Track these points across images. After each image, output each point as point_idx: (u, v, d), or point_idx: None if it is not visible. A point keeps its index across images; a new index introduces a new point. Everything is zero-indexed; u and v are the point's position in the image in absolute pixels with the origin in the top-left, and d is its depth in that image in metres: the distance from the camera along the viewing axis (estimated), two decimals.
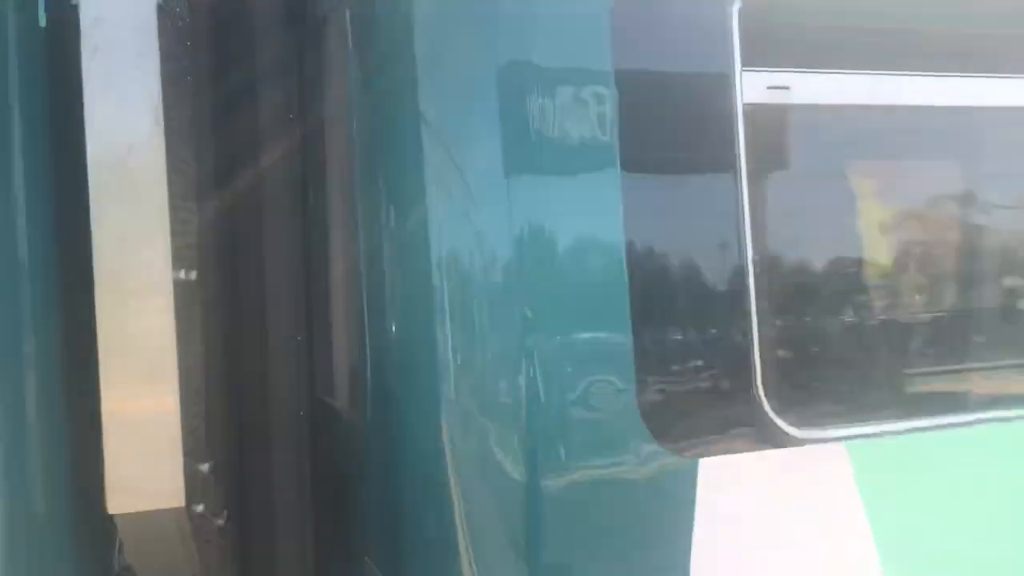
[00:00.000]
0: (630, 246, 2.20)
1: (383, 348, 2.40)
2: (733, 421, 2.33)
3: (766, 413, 2.31)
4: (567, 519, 2.19)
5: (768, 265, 2.37)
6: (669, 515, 2.24)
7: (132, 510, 2.22)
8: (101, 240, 2.13)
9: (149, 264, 2.18)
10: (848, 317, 2.64)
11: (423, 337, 2.23)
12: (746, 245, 2.29)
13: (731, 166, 2.28)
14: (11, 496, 2.07)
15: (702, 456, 2.26)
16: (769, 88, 2.34)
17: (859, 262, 2.70)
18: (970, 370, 2.74)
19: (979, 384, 2.73)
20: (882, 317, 2.70)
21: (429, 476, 2.26)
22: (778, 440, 2.33)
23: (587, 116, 2.19)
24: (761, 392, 2.31)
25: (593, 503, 2.20)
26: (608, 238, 2.20)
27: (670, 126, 2.28)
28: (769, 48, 2.34)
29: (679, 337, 2.29)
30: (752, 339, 2.30)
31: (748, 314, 2.29)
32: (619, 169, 2.19)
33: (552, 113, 2.16)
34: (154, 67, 2.15)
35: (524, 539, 2.20)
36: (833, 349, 2.64)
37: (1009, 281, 2.86)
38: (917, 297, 2.75)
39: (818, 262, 2.63)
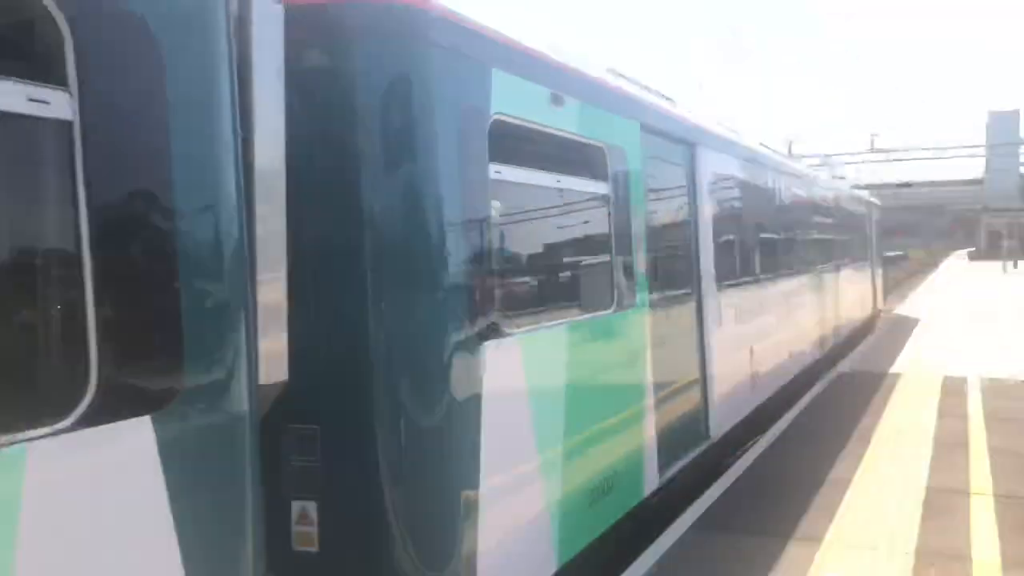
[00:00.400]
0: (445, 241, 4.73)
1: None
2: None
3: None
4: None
5: (499, 252, 5.11)
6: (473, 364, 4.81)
7: (273, 381, 3.91)
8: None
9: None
10: (532, 274, 5.56)
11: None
12: (490, 239, 4.97)
13: (485, 203, 4.96)
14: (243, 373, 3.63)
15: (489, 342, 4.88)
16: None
17: (531, 249, 5.62)
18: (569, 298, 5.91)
19: (573, 305, 5.91)
20: (539, 275, 5.68)
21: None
22: (495, 334, 5.05)
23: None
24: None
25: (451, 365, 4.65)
26: (432, 233, 4.69)
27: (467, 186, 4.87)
28: (495, 152, 5.08)
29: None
30: (488, 275, 4.99)
31: (493, 268, 4.98)
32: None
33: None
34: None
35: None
36: (526, 290, 5.51)
37: (591, 255, 6.14)
38: (549, 265, 5.80)
39: (517, 250, 5.46)
